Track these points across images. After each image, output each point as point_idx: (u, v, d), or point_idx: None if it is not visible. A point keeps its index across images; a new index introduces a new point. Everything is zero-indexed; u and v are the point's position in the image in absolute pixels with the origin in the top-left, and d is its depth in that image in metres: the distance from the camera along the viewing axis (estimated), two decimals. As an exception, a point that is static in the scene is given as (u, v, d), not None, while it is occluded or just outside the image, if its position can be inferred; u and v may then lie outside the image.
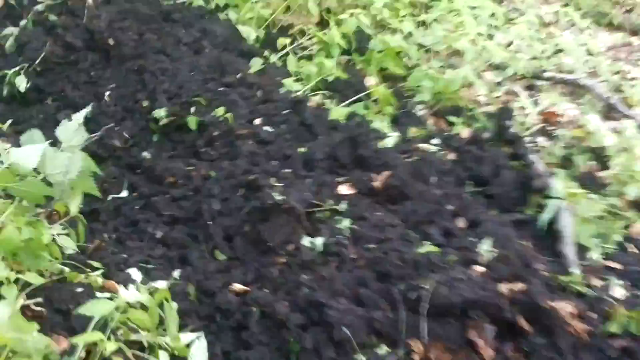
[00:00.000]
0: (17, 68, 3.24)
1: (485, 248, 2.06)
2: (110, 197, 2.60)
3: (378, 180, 2.44)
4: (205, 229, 2.35)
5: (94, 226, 2.44)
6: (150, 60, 3.21)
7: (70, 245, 1.92)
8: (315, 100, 3.15)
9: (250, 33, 3.72)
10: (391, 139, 2.84)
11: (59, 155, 1.98)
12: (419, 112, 3.18)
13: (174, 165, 2.71)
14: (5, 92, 3.22)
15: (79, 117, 2.10)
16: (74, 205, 2.01)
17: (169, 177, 2.67)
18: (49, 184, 1.97)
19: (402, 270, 1.99)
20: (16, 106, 3.19)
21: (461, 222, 2.31)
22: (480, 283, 1.89)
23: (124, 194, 2.59)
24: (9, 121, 2.94)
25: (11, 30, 3.44)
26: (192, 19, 3.72)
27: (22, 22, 3.48)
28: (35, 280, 1.66)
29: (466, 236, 2.20)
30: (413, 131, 2.99)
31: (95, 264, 2.09)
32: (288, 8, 3.95)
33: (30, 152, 1.93)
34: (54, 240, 1.87)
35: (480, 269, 1.98)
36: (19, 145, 2.36)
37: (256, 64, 3.36)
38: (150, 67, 3.17)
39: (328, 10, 3.96)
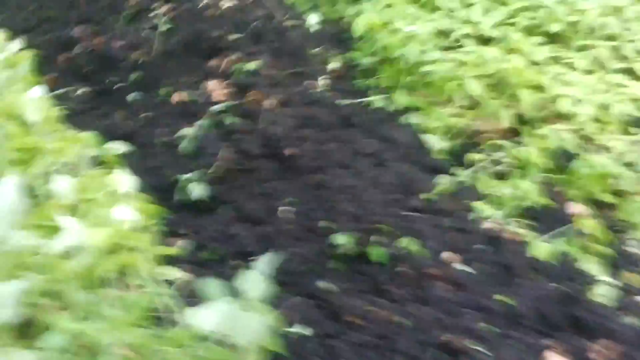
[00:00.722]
0: (191, 173, 3.21)
1: None
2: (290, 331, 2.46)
3: (598, 356, 2.15)
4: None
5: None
6: (330, 175, 3.10)
7: None
8: (511, 230, 2.90)
9: (435, 142, 3.54)
10: (607, 290, 2.54)
11: (242, 315, 1.84)
12: (635, 252, 2.85)
13: (353, 301, 2.53)
14: (177, 197, 3.19)
15: (262, 269, 1.97)
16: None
17: (348, 316, 2.49)
18: (228, 346, 1.85)
19: None
20: (188, 214, 3.14)
21: None
22: None
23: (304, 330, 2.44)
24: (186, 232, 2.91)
25: (187, 131, 3.44)
26: (372, 124, 3.59)
27: (198, 123, 3.48)
28: None
29: None
30: (631, 279, 2.67)
31: None
32: (477, 113, 3.75)
33: (208, 312, 1.81)
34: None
35: None
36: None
37: (443, 181, 3.17)
38: (330, 183, 3.05)
39: (521, 118, 3.71)
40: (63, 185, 2.41)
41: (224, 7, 4.45)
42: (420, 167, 3.33)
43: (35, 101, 2.93)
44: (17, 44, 3.60)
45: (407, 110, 3.80)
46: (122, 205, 2.48)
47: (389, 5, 4.54)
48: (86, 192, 2.45)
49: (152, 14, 4.44)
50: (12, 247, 1.96)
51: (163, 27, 4.21)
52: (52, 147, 2.64)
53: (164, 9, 4.48)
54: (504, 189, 3.17)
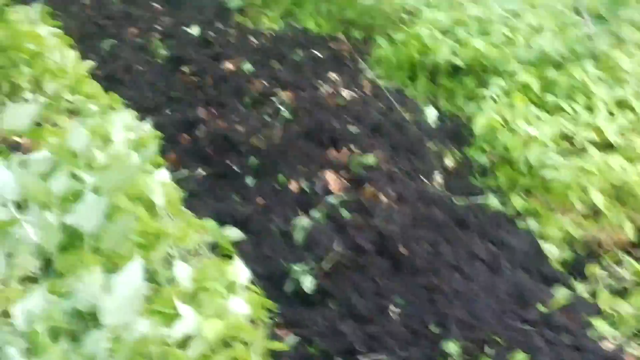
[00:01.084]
0: (302, 264, 3.27)
1: None
2: None
3: None
4: None
5: None
6: (444, 278, 3.10)
7: None
8: (631, 353, 2.81)
9: (552, 251, 3.50)
10: None
11: None
12: None
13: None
14: (288, 287, 3.24)
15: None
16: None
17: None
18: None
19: None
20: (296, 306, 3.19)
21: None
22: None
23: None
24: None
25: (301, 220, 3.51)
26: (488, 226, 3.59)
27: (312, 214, 3.55)
28: None
29: None
30: None
31: None
32: (598, 223, 3.68)
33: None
34: None
35: None
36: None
37: (560, 294, 3.11)
38: (443, 286, 3.04)
39: (645, 230, 3.64)
40: (183, 272, 2.51)
41: (344, 98, 4.58)
42: (536, 276, 3.30)
43: (161, 184, 3.08)
44: (146, 124, 3.82)
45: (524, 214, 3.78)
46: (237, 296, 2.55)
47: (509, 104, 4.56)
48: (204, 280, 2.54)
49: (273, 100, 4.61)
50: (135, 334, 2.05)
51: (284, 114, 4.36)
52: (174, 232, 2.76)
53: (286, 95, 4.65)
54: (624, 307, 3.09)
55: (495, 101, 4.65)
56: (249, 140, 4.21)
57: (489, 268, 3.25)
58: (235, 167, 4.08)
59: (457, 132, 4.54)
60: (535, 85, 4.71)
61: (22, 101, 3.71)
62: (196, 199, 3.70)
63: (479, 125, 4.37)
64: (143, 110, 4.41)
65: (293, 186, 3.81)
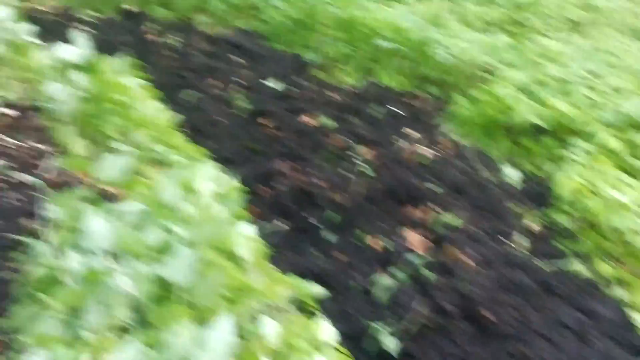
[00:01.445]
0: (382, 324, 3.22)
1: None
2: None
3: None
4: None
5: None
6: (531, 345, 3.01)
7: None
8: None
9: (642, 321, 3.38)
10: None
11: None
12: None
13: None
14: (368, 346, 3.20)
15: None
16: None
17: None
18: None
19: None
20: (380, 366, 3.15)
21: None
22: None
23: None
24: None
25: (380, 278, 3.48)
26: (575, 293, 3.49)
27: (392, 272, 3.51)
28: None
29: None
30: None
31: None
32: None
33: None
34: None
35: None
36: None
37: (653, 367, 3.00)
38: (531, 354, 2.96)
39: None
40: (269, 328, 2.49)
41: (424, 156, 4.56)
42: (625, 346, 3.18)
43: (244, 237, 3.08)
44: (230, 176, 3.85)
45: (611, 281, 3.66)
46: (323, 355, 2.52)
47: (592, 167, 4.48)
48: (290, 337, 2.52)
49: (351, 155, 4.62)
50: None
51: (362, 170, 4.36)
52: (259, 287, 2.75)
53: (364, 151, 4.65)
54: None
55: (578, 163, 4.56)
56: (328, 195, 4.21)
57: (577, 337, 3.15)
58: (314, 222, 4.07)
59: (538, 193, 4.46)
60: (619, 148, 4.62)
61: (109, 150, 3.79)
62: (275, 253, 3.69)
63: (563, 187, 4.28)
64: (224, 162, 4.45)
65: (372, 242, 3.78)
